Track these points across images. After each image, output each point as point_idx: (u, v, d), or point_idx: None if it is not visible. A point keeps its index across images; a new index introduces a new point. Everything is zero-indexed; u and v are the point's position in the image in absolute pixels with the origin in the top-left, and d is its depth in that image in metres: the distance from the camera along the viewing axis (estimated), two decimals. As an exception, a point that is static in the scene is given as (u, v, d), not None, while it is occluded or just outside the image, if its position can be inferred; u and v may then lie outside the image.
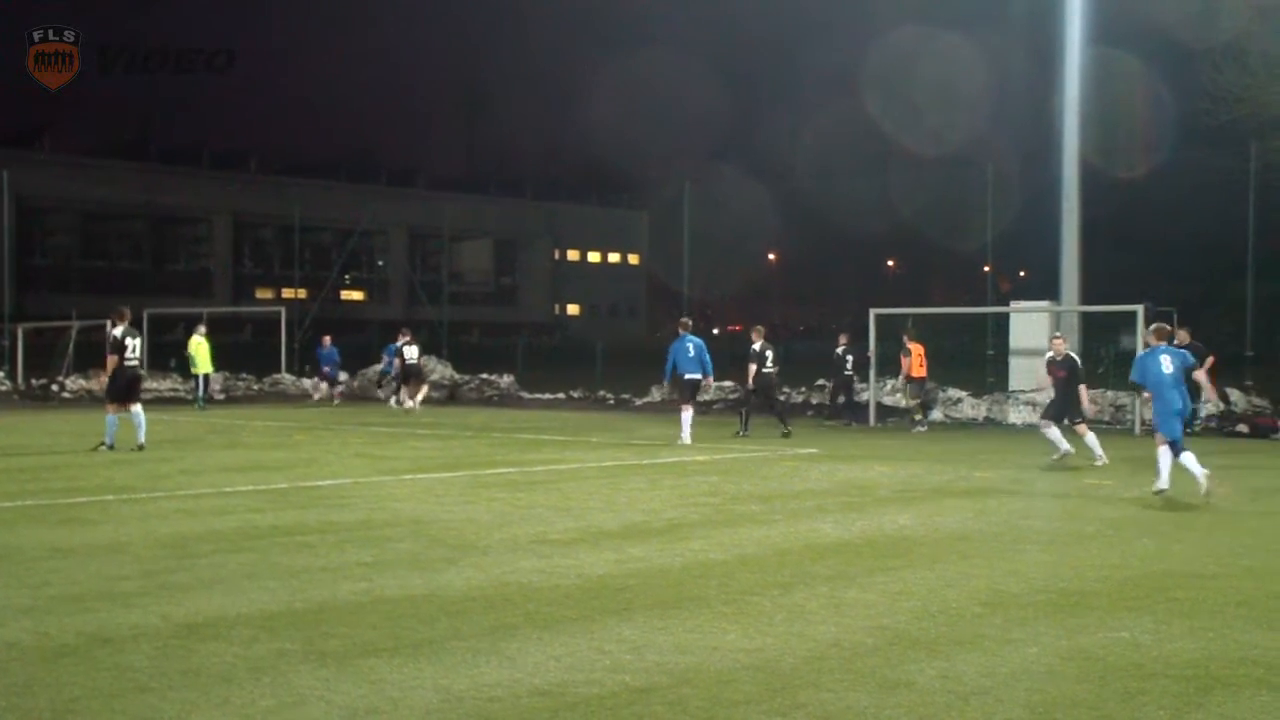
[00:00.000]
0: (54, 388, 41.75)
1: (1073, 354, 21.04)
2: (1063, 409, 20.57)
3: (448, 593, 9.43)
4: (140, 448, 21.00)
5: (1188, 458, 15.48)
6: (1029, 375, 31.36)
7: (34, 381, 42.84)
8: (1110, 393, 30.21)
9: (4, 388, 42.31)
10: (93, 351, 44.78)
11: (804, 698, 6.83)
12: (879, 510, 14.35)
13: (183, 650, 7.62)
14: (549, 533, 12.36)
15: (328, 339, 39.12)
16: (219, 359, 41.31)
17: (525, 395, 40.92)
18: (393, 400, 34.95)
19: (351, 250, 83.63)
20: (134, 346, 21.27)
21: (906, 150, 75.98)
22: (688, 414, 23.66)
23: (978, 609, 9.03)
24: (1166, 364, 15.75)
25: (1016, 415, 29.94)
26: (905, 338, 28.68)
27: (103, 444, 21.13)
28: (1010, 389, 31.62)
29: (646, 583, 9.91)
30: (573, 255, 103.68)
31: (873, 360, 30.33)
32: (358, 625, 8.31)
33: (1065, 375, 20.55)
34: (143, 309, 50.43)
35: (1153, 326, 16.58)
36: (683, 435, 23.38)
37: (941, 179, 71.18)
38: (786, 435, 25.19)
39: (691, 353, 23.75)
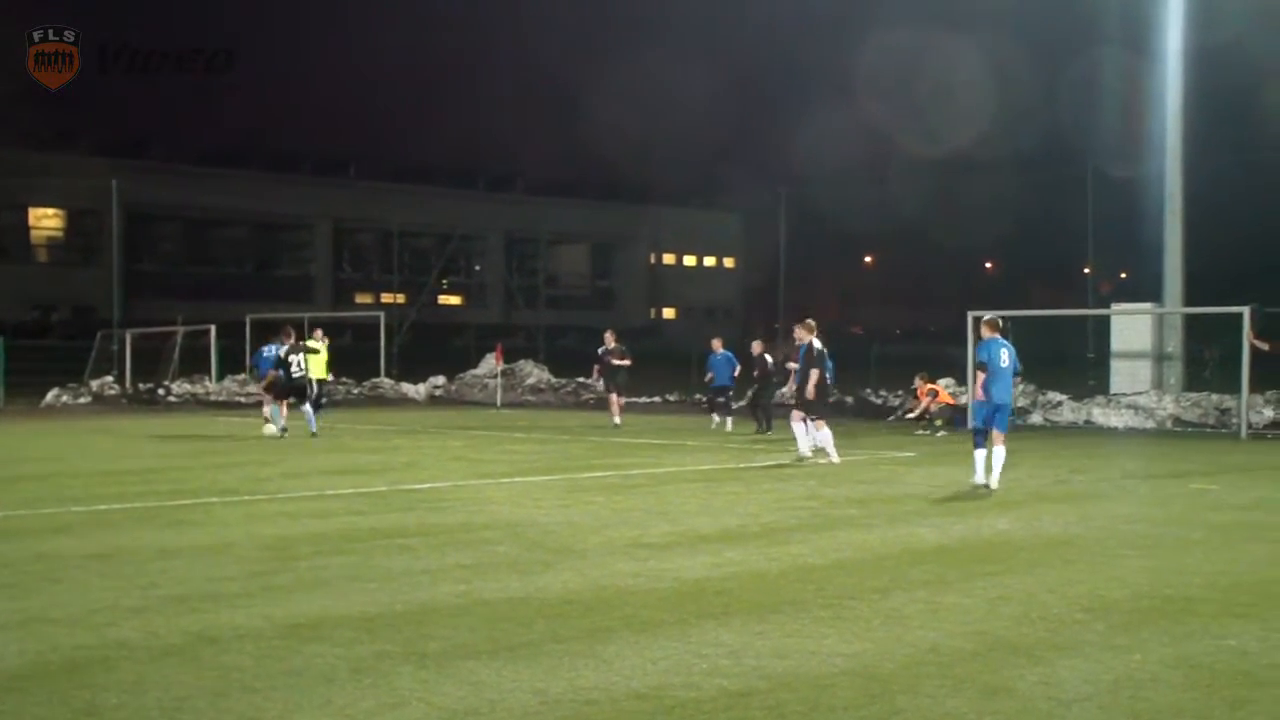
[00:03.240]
0: (160, 392, 42.51)
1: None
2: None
3: (545, 596, 9.47)
4: (314, 435, 25.09)
5: (981, 453, 16.56)
6: (1131, 378, 30.93)
7: (141, 386, 43.64)
8: (1215, 396, 29.68)
9: (112, 391, 43.13)
10: (198, 357, 45.61)
11: (902, 703, 6.79)
12: (977, 514, 14.22)
13: (286, 651, 7.73)
14: (646, 536, 12.38)
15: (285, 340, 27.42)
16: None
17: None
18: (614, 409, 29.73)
19: (449, 255, 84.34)
20: (297, 362, 25.34)
21: (1003, 153, 75.29)
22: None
23: (1079, 615, 8.92)
24: (1005, 357, 16.71)
25: (1118, 419, 29.52)
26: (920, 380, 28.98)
27: (280, 429, 25.36)
28: (1112, 392, 31.20)
29: (744, 587, 9.90)
30: (669, 259, 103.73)
31: (971, 365, 29.96)
32: (457, 627, 8.38)
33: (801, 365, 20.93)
34: (246, 314, 51.35)
35: (986, 318, 17.40)
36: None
37: (1038, 181, 70.41)
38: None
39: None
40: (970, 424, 17.27)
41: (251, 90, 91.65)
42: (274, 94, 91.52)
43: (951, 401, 28.86)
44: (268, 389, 26.41)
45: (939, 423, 27.62)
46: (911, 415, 28.82)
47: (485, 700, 6.76)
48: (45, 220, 75.96)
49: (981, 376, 16.78)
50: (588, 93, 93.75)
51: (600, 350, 30.02)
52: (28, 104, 52.79)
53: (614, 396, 29.73)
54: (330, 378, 35.74)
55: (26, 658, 7.53)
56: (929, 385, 28.79)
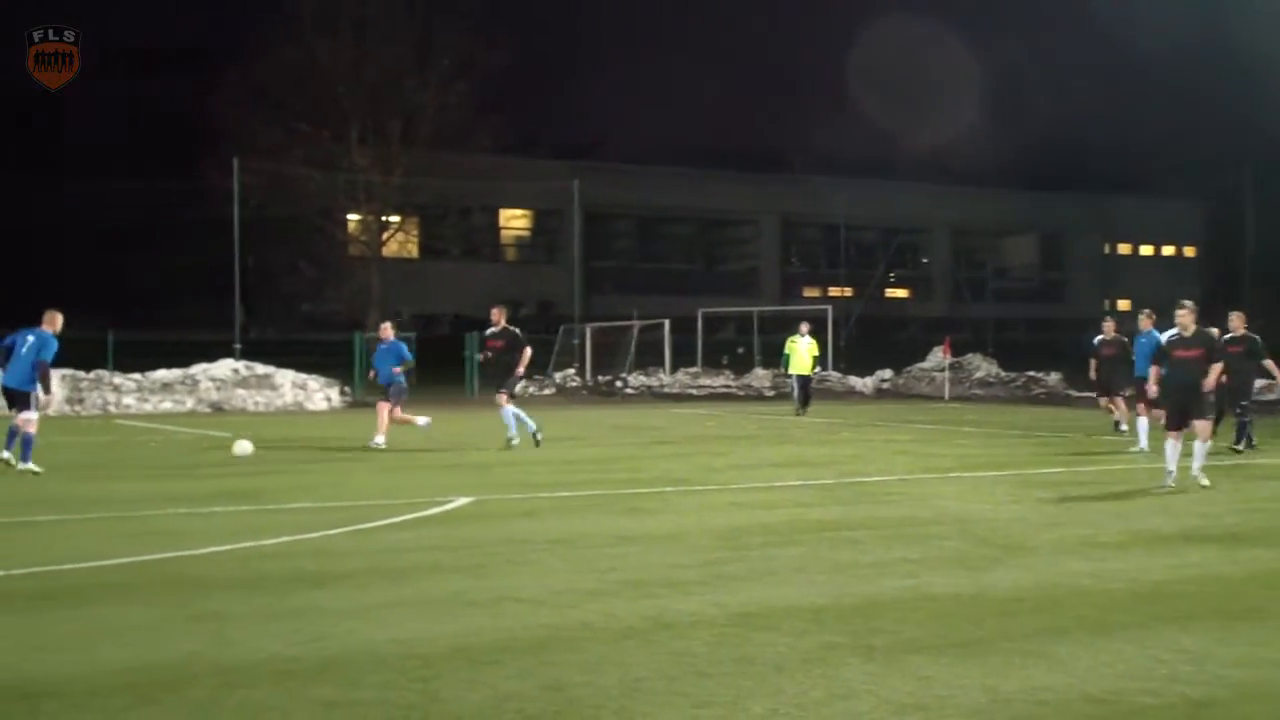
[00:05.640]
0: (618, 384, 44.27)
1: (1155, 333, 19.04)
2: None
3: (994, 593, 9.33)
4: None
5: None
6: None
7: (600, 378, 45.57)
8: None
9: (574, 383, 45.23)
10: (652, 350, 47.24)
11: (1385, 722, 6.33)
12: None
13: (737, 639, 7.90)
14: (1099, 535, 11.99)
15: (388, 327, 23.40)
16: (772, 359, 42.44)
17: (1074, 394, 39.76)
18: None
19: (895, 248, 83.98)
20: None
21: None
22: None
23: None
24: None
25: None
26: None
27: (511, 440, 21.39)
28: None
29: (1205, 590, 9.45)
30: (1124, 248, 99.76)
31: None
32: (904, 622, 8.37)
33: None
34: (696, 309, 52.77)
35: None
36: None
37: None
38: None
39: None
40: None
41: (693, 89, 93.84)
42: (713, 92, 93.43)
43: None
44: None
45: None
46: None
47: (934, 695, 6.73)
48: (513, 221, 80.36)
49: None
50: (1033, 80, 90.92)
51: (1096, 340, 24.62)
52: (498, 112, 56.09)
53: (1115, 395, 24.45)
54: (815, 372, 35.87)
55: (499, 633, 8.01)
56: None
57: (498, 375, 21.85)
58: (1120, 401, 23.65)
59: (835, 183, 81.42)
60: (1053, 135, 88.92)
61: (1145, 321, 21.63)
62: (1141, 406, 20.77)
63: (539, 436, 21.43)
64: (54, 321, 18.10)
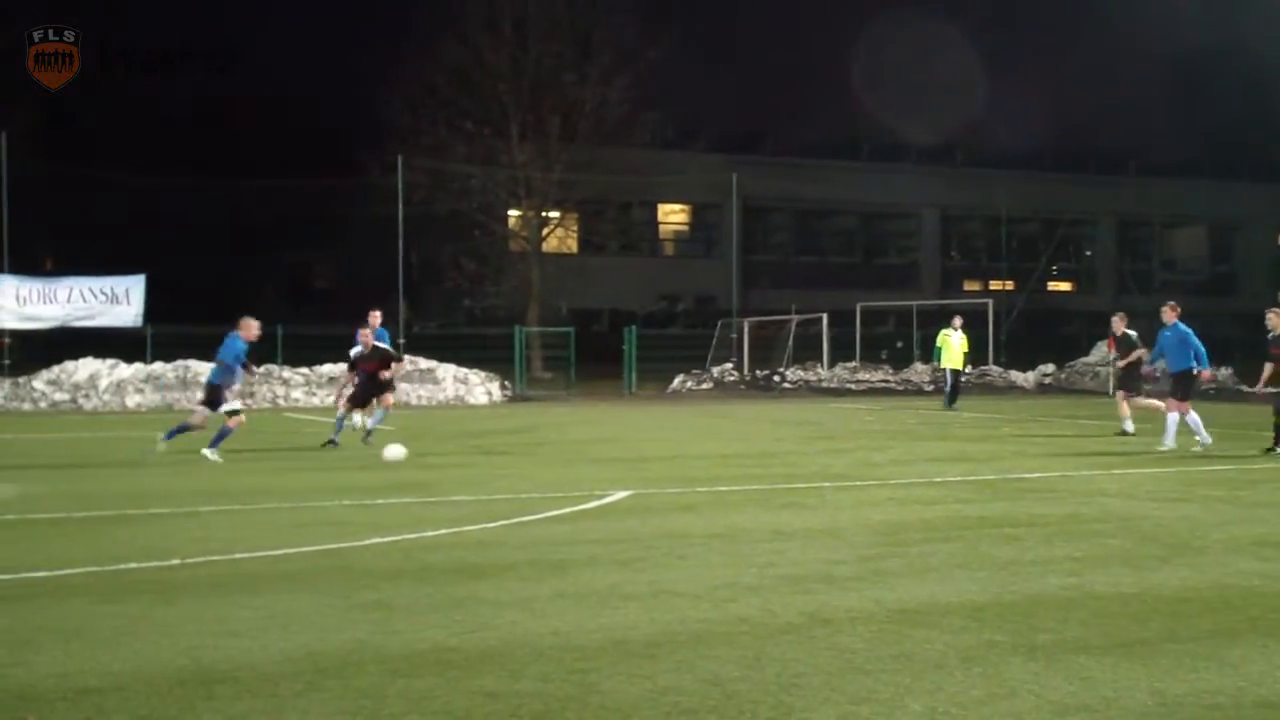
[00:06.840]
0: (775, 378, 44.15)
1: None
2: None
3: (1161, 592, 9.14)
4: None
5: None
6: None
7: (758, 372, 45.50)
8: None
9: (731, 378, 45.21)
10: (810, 344, 47.03)
11: None
12: None
13: (895, 635, 7.85)
14: (1272, 534, 11.66)
15: (376, 315, 22.99)
16: (927, 352, 41.96)
17: (1244, 389, 38.62)
18: None
19: (1058, 241, 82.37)
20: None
21: None
22: None
23: None
24: None
25: None
26: None
27: (334, 442, 21.30)
28: None
29: (1385, 594, 9.15)
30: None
31: None
32: (1067, 621, 8.24)
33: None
34: (855, 302, 52.43)
35: None
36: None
37: None
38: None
39: None
40: None
41: (850, 84, 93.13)
42: (870, 87, 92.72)
43: None
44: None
45: None
46: None
47: (1099, 697, 6.61)
48: (671, 215, 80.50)
49: None
50: (1203, 65, 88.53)
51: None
52: (657, 107, 56.36)
53: (1121, 396, 23.99)
54: (967, 369, 35.38)
55: (656, 627, 8.06)
56: None
57: (366, 393, 22.01)
58: (1137, 401, 23.61)
59: (996, 175, 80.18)
60: (1224, 123, 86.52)
61: (1169, 314, 21.20)
62: (1170, 402, 21.10)
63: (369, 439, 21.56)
64: (248, 328, 19.14)
